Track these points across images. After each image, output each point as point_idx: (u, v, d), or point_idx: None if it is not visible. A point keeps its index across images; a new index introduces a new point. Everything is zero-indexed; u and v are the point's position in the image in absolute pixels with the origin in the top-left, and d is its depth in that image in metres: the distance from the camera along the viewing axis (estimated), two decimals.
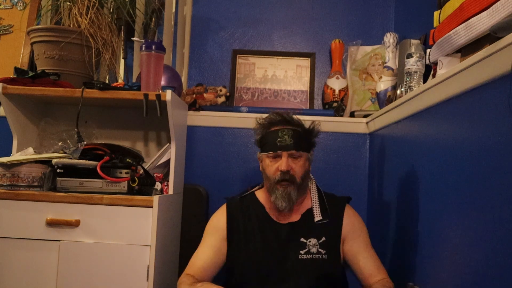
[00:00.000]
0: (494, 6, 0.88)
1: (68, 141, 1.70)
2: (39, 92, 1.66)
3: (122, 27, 2.01)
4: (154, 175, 1.69)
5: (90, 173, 1.52)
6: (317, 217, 1.39)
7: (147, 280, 1.46)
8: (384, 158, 1.72)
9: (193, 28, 2.11)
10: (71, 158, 1.56)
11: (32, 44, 1.80)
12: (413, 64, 1.37)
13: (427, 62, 1.29)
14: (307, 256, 1.35)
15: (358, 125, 1.95)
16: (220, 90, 1.99)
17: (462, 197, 1.02)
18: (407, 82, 1.39)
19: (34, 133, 1.87)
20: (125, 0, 1.91)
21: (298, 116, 1.43)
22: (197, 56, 2.11)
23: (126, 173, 1.54)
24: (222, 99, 1.98)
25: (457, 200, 1.05)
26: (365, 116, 1.93)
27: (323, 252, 1.36)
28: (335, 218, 1.41)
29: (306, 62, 2.08)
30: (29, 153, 1.60)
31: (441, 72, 1.13)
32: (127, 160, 1.56)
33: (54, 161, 1.53)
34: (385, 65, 1.82)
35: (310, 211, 1.42)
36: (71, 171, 1.53)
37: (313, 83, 2.06)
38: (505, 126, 0.84)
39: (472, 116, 0.99)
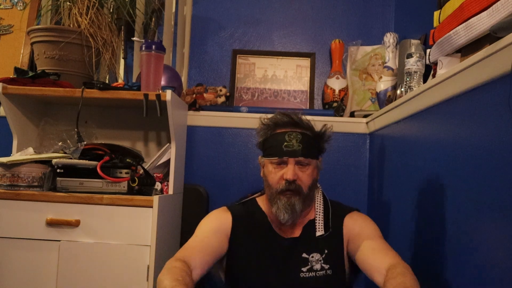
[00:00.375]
0: (494, 6, 0.88)
1: (68, 141, 1.70)
2: (39, 92, 1.66)
3: (122, 27, 2.01)
4: (154, 175, 1.69)
5: (90, 173, 1.52)
6: (319, 231, 1.25)
7: (147, 280, 1.46)
8: (384, 158, 1.72)
9: (193, 28, 2.11)
10: (71, 158, 1.56)
11: (32, 44, 1.80)
12: (413, 64, 1.37)
13: (427, 62, 1.29)
14: (310, 274, 1.21)
15: (358, 125, 1.95)
16: (220, 90, 1.99)
17: (462, 197, 1.02)
18: (407, 82, 1.39)
19: (34, 133, 1.87)
20: (125, 0, 1.91)
21: (307, 117, 1.27)
22: (197, 56, 2.11)
23: (126, 173, 1.54)
24: (222, 99, 1.98)
25: (457, 200, 1.05)
26: (365, 116, 1.93)
27: (327, 267, 1.22)
28: (337, 229, 1.27)
29: (306, 62, 2.08)
30: (29, 153, 1.60)
31: (441, 72, 1.13)
32: (127, 160, 1.56)
33: (54, 161, 1.53)
34: (385, 65, 1.82)
35: (312, 223, 1.28)
36: (71, 171, 1.53)
37: (313, 83, 2.06)
38: (505, 126, 0.84)
39: (472, 116, 0.99)
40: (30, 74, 1.68)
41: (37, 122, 1.88)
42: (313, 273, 1.21)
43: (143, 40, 1.69)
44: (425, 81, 1.36)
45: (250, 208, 1.32)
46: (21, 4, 2.10)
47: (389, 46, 1.82)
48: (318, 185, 1.34)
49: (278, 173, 1.21)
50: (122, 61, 2.09)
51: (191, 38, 2.10)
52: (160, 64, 1.67)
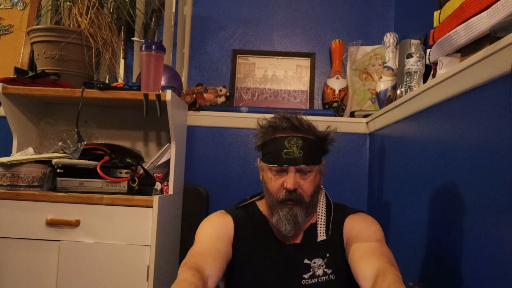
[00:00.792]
0: (494, 6, 0.88)
1: (68, 141, 1.70)
2: (39, 92, 1.66)
3: (122, 27, 2.01)
4: (154, 175, 1.69)
5: (90, 173, 1.52)
6: (321, 236, 1.20)
7: (147, 280, 1.46)
8: (384, 158, 1.72)
9: (193, 28, 2.11)
10: (71, 158, 1.56)
11: (32, 44, 1.80)
12: (413, 64, 1.37)
13: (427, 62, 1.29)
14: (312, 281, 1.16)
15: (358, 125, 1.95)
16: (220, 90, 1.99)
17: (462, 197, 1.02)
18: (407, 82, 1.39)
19: (34, 133, 1.87)
20: (125, 0, 1.91)
21: (307, 117, 1.19)
22: (197, 56, 2.11)
23: (126, 173, 1.54)
24: (222, 99, 1.98)
25: (457, 200, 1.05)
26: (365, 116, 1.93)
27: (329, 272, 1.17)
28: (338, 231, 1.21)
29: (306, 62, 2.08)
30: (29, 153, 1.60)
31: (441, 72, 1.13)
32: (127, 160, 1.56)
33: (54, 161, 1.53)
34: (385, 65, 1.82)
35: (313, 227, 1.22)
36: (71, 171, 1.53)
37: (313, 83, 2.06)
38: (505, 126, 0.84)
39: (472, 116, 0.99)
40: (30, 74, 1.68)
41: (37, 122, 1.88)
42: (315, 279, 1.17)
43: (143, 40, 1.69)
44: (425, 81, 1.36)
45: (251, 213, 1.26)
46: (21, 4, 2.10)
47: (389, 46, 1.82)
48: (322, 186, 1.28)
49: (278, 181, 1.15)
50: (122, 61, 2.09)
51: (191, 38, 2.10)
52: (160, 64, 1.67)
